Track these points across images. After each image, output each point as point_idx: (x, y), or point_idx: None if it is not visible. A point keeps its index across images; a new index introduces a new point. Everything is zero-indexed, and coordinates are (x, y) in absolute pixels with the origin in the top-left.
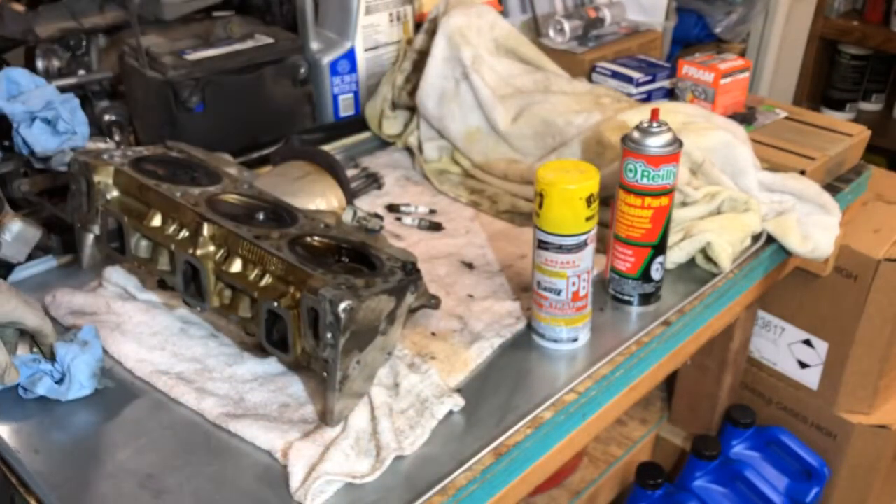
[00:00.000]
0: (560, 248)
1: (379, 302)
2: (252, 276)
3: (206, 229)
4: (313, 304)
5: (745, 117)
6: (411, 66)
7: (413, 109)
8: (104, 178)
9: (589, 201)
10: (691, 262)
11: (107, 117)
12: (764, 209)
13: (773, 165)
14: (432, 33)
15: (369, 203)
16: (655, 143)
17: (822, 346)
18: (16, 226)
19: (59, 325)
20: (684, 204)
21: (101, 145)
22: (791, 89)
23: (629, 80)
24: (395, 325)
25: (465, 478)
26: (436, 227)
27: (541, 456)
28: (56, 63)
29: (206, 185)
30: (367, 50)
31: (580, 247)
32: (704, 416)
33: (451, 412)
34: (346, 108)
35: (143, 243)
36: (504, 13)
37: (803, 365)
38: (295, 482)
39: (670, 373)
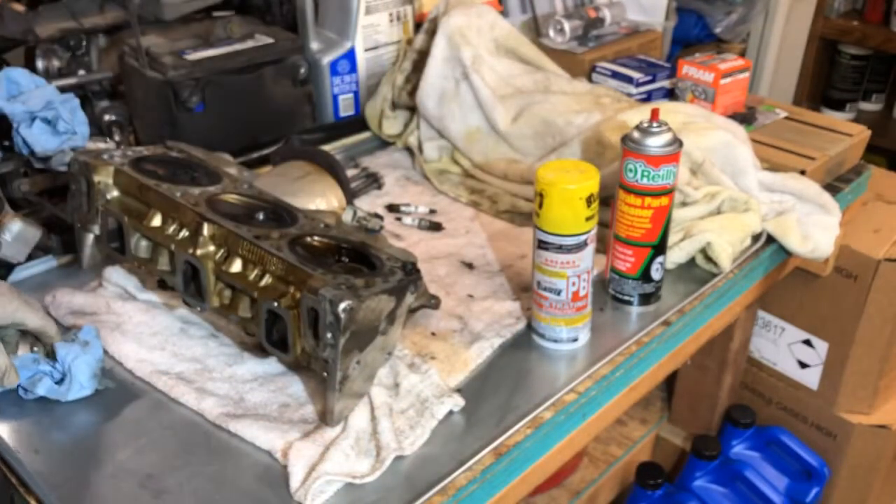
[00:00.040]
0: (560, 248)
1: (379, 302)
2: (252, 276)
3: (206, 229)
4: (313, 304)
5: (745, 117)
6: (411, 66)
7: (413, 109)
8: (104, 178)
9: (589, 201)
10: (691, 262)
11: (107, 117)
12: (764, 209)
13: (773, 165)
14: (432, 33)
15: (369, 203)
16: (655, 143)
17: (822, 346)
18: (16, 226)
19: (59, 325)
20: (684, 204)
21: (101, 145)
22: (791, 89)
23: (629, 80)
24: (395, 325)
25: (465, 478)
26: (436, 227)
27: (541, 456)
28: (56, 63)
29: (206, 185)
30: (367, 50)
31: (580, 247)
32: (704, 416)
33: (451, 412)
34: (346, 108)
35: (143, 243)
36: (504, 13)
37: (803, 365)
38: (295, 482)
39: (670, 373)
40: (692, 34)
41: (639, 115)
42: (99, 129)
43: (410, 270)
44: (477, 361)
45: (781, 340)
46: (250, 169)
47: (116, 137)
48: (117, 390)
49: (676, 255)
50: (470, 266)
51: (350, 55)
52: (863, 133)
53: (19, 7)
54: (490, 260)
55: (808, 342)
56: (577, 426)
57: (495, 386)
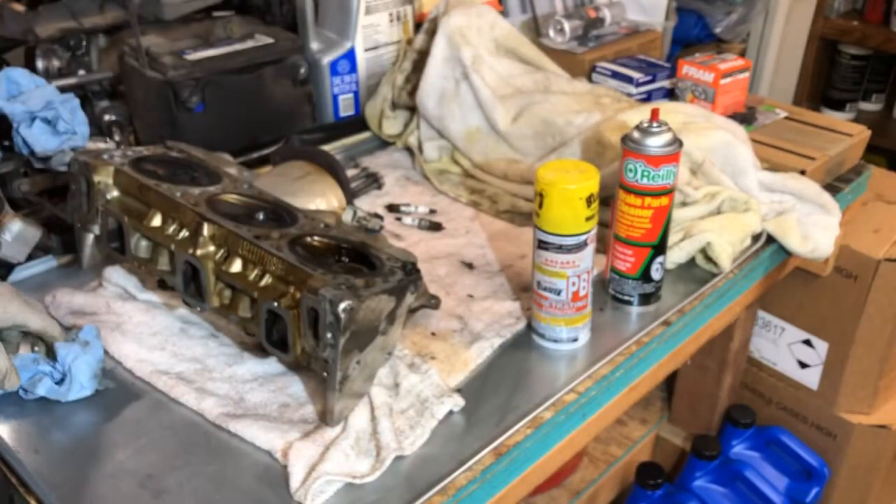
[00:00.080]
0: (560, 248)
1: (379, 302)
2: (252, 276)
3: (206, 229)
4: (313, 304)
5: (745, 117)
6: (411, 66)
7: (413, 109)
8: (104, 178)
9: (589, 201)
10: (691, 262)
11: (107, 117)
12: (764, 209)
13: (773, 165)
14: (432, 33)
15: (369, 203)
16: (655, 143)
17: (822, 346)
18: (16, 226)
19: (60, 325)
20: (684, 204)
21: (101, 145)
22: (791, 89)
23: (629, 80)
24: (395, 325)
25: (465, 478)
26: (436, 227)
27: (541, 456)
28: (56, 63)
29: (206, 185)
30: (367, 50)
31: (580, 247)
32: (704, 416)
33: (451, 412)
34: (346, 108)
35: (143, 243)
36: (504, 13)
37: (803, 365)
38: (295, 482)
39: (670, 373)
40: (692, 34)
41: (639, 115)
42: (99, 129)
43: (410, 270)
44: (477, 361)
45: (781, 340)
46: (250, 169)
47: (116, 137)
48: (117, 390)
49: (676, 255)
50: (470, 266)
51: (350, 55)
52: (863, 133)
53: (19, 7)
54: (490, 260)
55: (808, 342)
56: (577, 426)
57: (495, 386)
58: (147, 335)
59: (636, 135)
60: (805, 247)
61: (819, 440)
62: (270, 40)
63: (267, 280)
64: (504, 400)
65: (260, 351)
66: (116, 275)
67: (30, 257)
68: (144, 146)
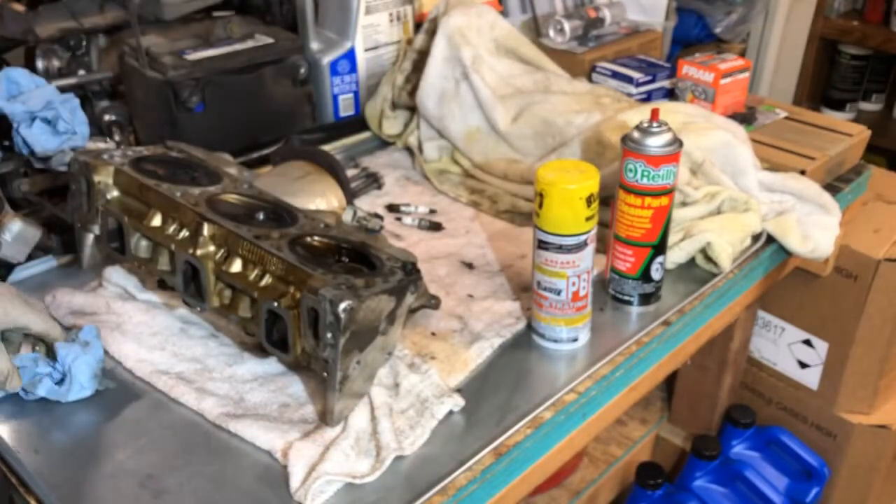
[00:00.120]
0: (560, 248)
1: (379, 302)
2: (252, 276)
3: (206, 229)
4: (313, 304)
5: (745, 117)
6: (411, 66)
7: (413, 109)
8: (104, 178)
9: (589, 201)
10: (691, 262)
11: (107, 117)
12: (764, 209)
13: (773, 165)
14: (432, 33)
15: (369, 203)
16: (655, 143)
17: (822, 346)
18: (16, 226)
19: (62, 327)
20: (684, 204)
21: (101, 145)
22: (791, 89)
23: (629, 80)
24: (395, 325)
25: (465, 478)
26: (436, 227)
27: (541, 456)
28: (56, 63)
29: (206, 185)
30: (367, 50)
31: (580, 247)
32: (704, 416)
33: (451, 412)
34: (346, 108)
35: (143, 243)
36: (504, 13)
37: (803, 365)
38: (295, 482)
39: (670, 373)
40: (692, 34)
41: (639, 115)
42: (99, 129)
43: (410, 270)
44: (477, 361)
45: (781, 340)
46: (250, 169)
47: (116, 137)
48: (117, 390)
49: (676, 255)
50: (470, 266)
51: (350, 55)
52: (863, 133)
53: (19, 7)
54: (490, 260)
55: (808, 342)
56: (577, 426)
57: (495, 386)
58: (147, 335)
59: (636, 135)
60: (805, 247)
61: (819, 440)
62: (270, 40)
63: (267, 280)
64: (504, 400)
65: (260, 351)
66: (116, 275)
67: (30, 257)
68: (144, 146)
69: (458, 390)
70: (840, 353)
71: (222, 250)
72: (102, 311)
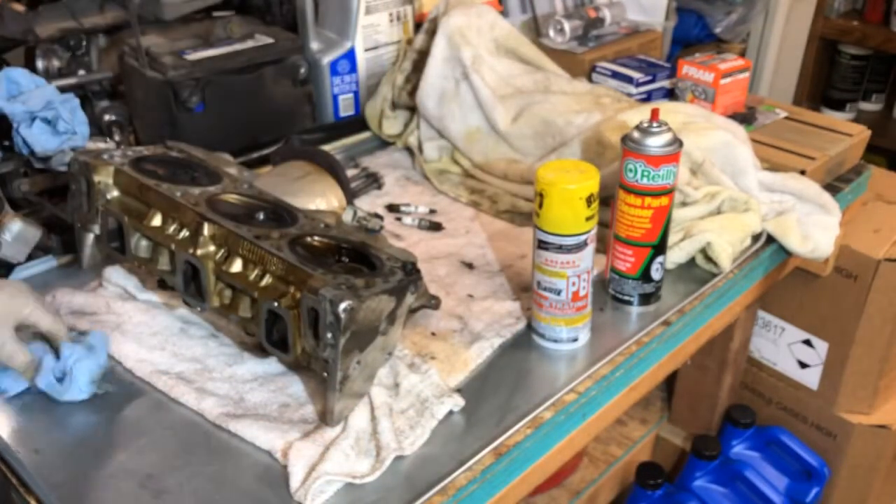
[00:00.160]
0: (560, 248)
1: (379, 302)
2: (252, 276)
3: (206, 229)
4: (313, 304)
5: (745, 117)
6: (411, 66)
7: (413, 109)
8: (104, 178)
9: (589, 201)
10: (691, 262)
11: (107, 117)
12: (764, 209)
13: (773, 165)
14: (432, 33)
15: (369, 203)
16: (655, 143)
17: (822, 346)
18: (16, 226)
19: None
20: (684, 204)
21: (101, 145)
22: (791, 89)
23: (629, 80)
24: (395, 325)
25: (465, 478)
26: (436, 227)
27: (541, 456)
28: (56, 63)
29: (206, 185)
30: (367, 50)
31: (580, 247)
32: (704, 416)
33: (451, 412)
34: (346, 108)
35: (143, 243)
36: (504, 13)
37: (803, 365)
38: (295, 482)
39: (670, 373)
40: (692, 34)
41: (639, 115)
42: (99, 129)
43: (410, 270)
44: (477, 361)
45: (781, 340)
46: (250, 169)
47: (116, 137)
48: (117, 390)
49: (676, 255)
50: (470, 266)
51: (350, 55)
52: (863, 133)
53: (19, 7)
54: (490, 260)
55: (808, 342)
56: (577, 426)
57: (495, 386)
58: (147, 335)
59: (636, 135)
60: (805, 247)
61: (819, 440)
62: (270, 40)
63: (267, 280)
64: (504, 400)
65: (260, 351)
66: (116, 275)
67: (30, 257)
68: (144, 146)
69: (458, 390)
70: (840, 353)
71: (222, 250)
72: (102, 311)
